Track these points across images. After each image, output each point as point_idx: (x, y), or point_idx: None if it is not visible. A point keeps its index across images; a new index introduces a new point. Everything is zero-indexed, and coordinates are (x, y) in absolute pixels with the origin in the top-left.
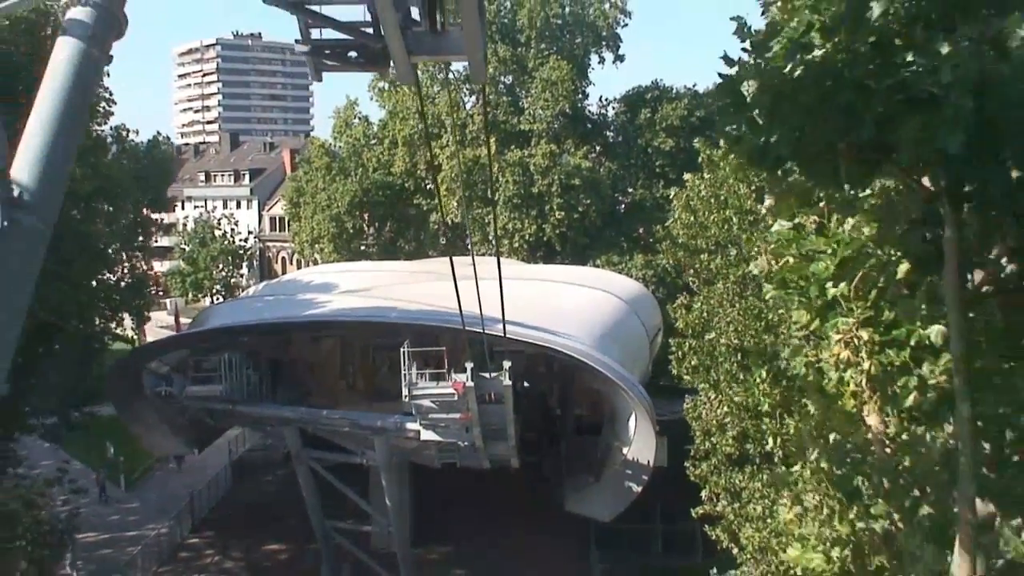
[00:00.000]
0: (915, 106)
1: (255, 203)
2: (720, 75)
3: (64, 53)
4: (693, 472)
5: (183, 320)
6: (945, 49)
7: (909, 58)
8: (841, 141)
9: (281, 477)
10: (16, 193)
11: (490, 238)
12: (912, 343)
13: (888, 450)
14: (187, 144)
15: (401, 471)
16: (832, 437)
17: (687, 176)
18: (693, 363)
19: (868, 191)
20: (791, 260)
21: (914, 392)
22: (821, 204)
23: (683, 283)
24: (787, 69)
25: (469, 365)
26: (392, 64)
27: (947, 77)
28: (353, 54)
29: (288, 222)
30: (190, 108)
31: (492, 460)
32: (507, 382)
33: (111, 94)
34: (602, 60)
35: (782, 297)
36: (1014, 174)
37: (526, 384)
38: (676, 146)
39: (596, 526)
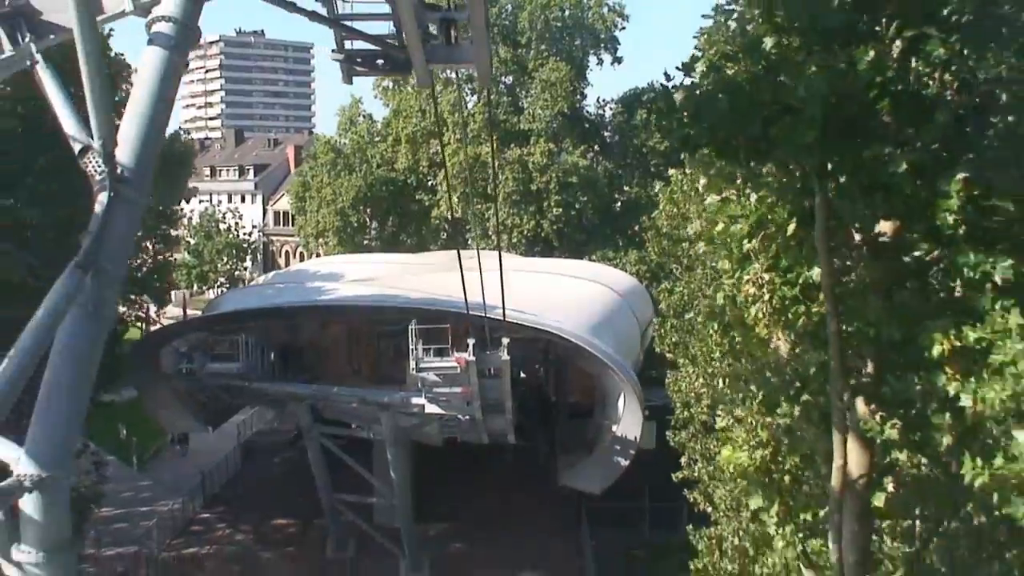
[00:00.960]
0: (786, 112)
1: (259, 198)
2: (661, 85)
3: (152, 59)
4: (673, 439)
5: (191, 312)
6: (812, 71)
7: (782, 78)
8: (739, 135)
9: (287, 459)
10: (119, 171)
11: (490, 233)
12: (800, 282)
13: (783, 362)
14: (191, 139)
15: (404, 447)
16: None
17: (671, 172)
18: (674, 340)
19: (768, 173)
20: (721, 224)
21: (802, 317)
22: (738, 182)
23: (670, 272)
24: (705, 84)
25: (471, 341)
26: (413, 70)
27: (801, 93)
28: (380, 62)
29: (292, 216)
30: (193, 104)
31: (490, 434)
32: (505, 357)
33: None
34: (600, 62)
35: (711, 251)
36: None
37: (523, 375)
38: (670, 146)
39: (587, 505)
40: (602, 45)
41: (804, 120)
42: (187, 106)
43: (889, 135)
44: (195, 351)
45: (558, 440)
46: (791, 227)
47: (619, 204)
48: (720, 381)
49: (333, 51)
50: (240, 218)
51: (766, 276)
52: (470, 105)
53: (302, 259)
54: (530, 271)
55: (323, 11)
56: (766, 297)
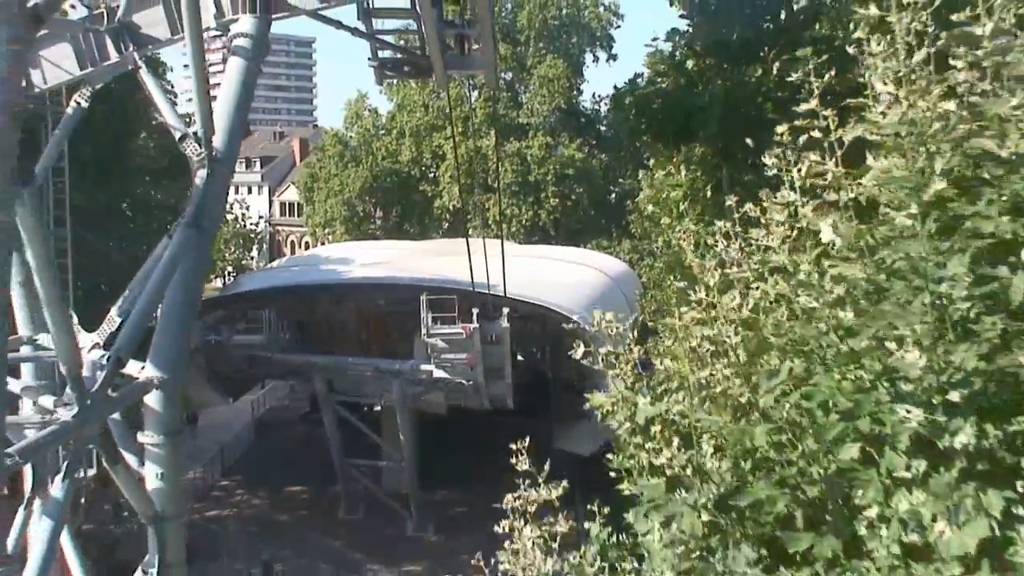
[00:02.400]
0: (699, 111)
1: (265, 189)
2: (614, 92)
3: (234, 66)
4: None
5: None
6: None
7: (698, 89)
8: (669, 126)
9: (299, 434)
10: (214, 153)
11: (490, 223)
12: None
13: None
14: None
15: (411, 415)
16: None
17: (652, 160)
18: (653, 308)
19: (693, 154)
20: (666, 191)
21: (716, 259)
22: (675, 160)
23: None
24: (647, 91)
25: (475, 310)
26: (434, 75)
27: (705, 98)
28: (407, 68)
29: (298, 207)
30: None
31: (492, 400)
32: (505, 324)
33: (173, 87)
34: (596, 59)
35: (658, 211)
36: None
37: (519, 358)
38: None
39: (581, 472)
40: (598, 43)
41: (709, 117)
42: (190, 99)
43: (774, 127)
44: (221, 325)
45: (554, 412)
46: (709, 192)
47: (613, 195)
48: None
49: (369, 59)
50: (247, 209)
51: (694, 227)
52: (471, 99)
53: (307, 248)
54: (528, 257)
55: (363, 27)
56: (693, 242)
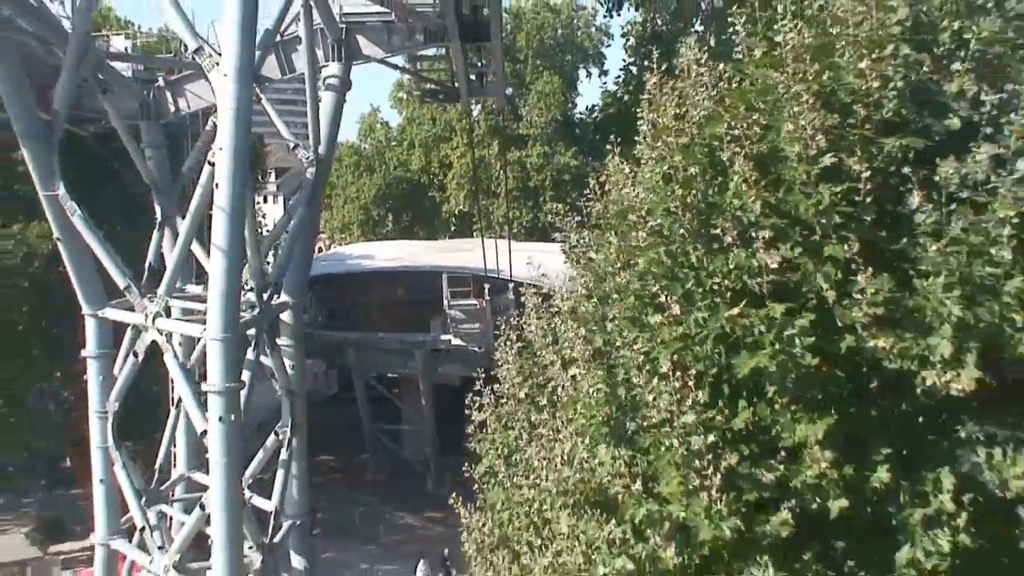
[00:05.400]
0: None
1: (280, 198)
2: (581, 114)
3: (327, 99)
4: None
5: None
6: None
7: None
8: (617, 133)
9: (327, 413)
10: (320, 156)
11: (493, 224)
12: None
13: None
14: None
15: (431, 383)
16: None
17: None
18: None
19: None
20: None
21: None
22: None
23: None
24: (602, 116)
25: (487, 286)
26: (460, 100)
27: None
28: (441, 96)
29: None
30: None
31: None
32: (512, 296)
33: None
34: (589, 75)
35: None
36: None
37: None
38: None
39: None
40: (590, 60)
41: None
42: None
43: None
44: None
45: None
46: None
47: None
48: None
49: (414, 89)
50: (263, 216)
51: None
52: (475, 112)
53: (321, 252)
54: (529, 252)
55: (409, 67)
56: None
